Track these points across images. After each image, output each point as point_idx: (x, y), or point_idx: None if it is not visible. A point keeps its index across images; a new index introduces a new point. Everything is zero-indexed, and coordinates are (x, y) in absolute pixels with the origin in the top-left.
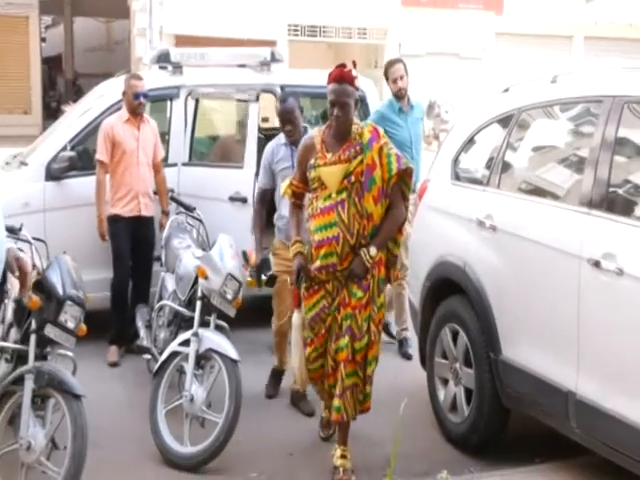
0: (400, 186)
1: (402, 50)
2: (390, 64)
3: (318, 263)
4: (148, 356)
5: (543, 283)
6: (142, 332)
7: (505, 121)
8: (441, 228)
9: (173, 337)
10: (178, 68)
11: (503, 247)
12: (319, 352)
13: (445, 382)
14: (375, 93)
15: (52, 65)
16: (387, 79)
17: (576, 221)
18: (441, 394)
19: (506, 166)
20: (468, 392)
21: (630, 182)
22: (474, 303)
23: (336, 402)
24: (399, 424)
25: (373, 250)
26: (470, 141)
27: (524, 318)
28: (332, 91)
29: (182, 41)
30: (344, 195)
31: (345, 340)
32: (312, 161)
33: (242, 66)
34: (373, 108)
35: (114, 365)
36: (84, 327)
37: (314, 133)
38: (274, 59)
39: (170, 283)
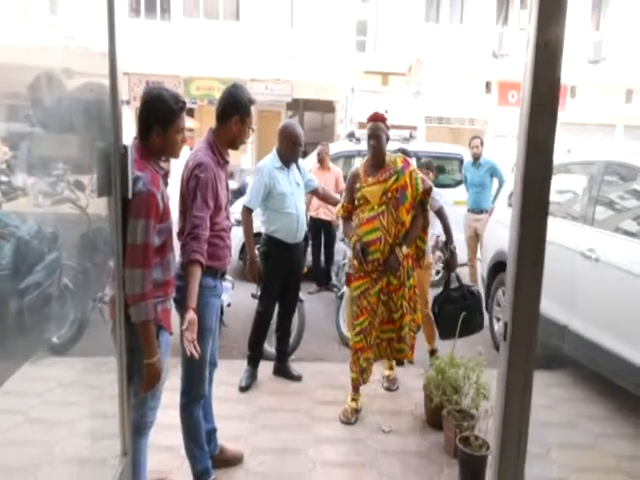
0: (422, 200)
1: (497, 132)
2: (472, 139)
3: (368, 258)
4: (336, 289)
5: (556, 265)
6: (333, 277)
7: None
8: (500, 232)
9: None
10: (359, 140)
11: None
12: (363, 326)
13: (498, 320)
14: (469, 157)
15: None
16: (469, 146)
17: (574, 230)
18: (496, 326)
19: None
20: None
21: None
22: None
23: (375, 349)
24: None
25: (404, 248)
26: None
27: (543, 285)
28: (369, 127)
29: (363, 125)
30: (383, 207)
31: (381, 312)
32: (357, 185)
33: (394, 140)
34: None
35: (312, 294)
36: (305, 268)
37: (358, 165)
38: (411, 136)
39: (348, 252)
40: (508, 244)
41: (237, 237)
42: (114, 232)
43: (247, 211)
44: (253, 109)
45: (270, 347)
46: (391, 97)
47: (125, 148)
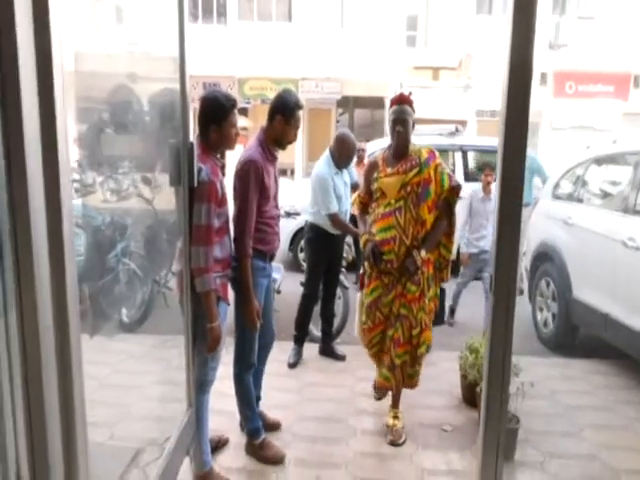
0: (448, 200)
1: (553, 125)
2: None
3: (380, 263)
4: None
5: (597, 254)
6: None
7: (584, 164)
8: (544, 224)
9: None
10: None
11: (576, 234)
12: (377, 339)
13: (541, 310)
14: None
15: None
16: None
17: (615, 219)
18: (539, 316)
19: (582, 189)
20: (553, 315)
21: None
22: (558, 266)
23: (385, 372)
24: None
25: (423, 252)
26: (563, 176)
27: (585, 274)
28: (394, 111)
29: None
30: (401, 203)
31: (398, 327)
32: (375, 175)
33: (440, 135)
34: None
35: (356, 283)
36: (350, 257)
37: (377, 154)
38: (457, 131)
39: None
40: (493, 215)
41: (288, 229)
42: (182, 215)
43: (334, 216)
44: (301, 112)
45: (317, 330)
46: (441, 92)
47: (192, 144)
